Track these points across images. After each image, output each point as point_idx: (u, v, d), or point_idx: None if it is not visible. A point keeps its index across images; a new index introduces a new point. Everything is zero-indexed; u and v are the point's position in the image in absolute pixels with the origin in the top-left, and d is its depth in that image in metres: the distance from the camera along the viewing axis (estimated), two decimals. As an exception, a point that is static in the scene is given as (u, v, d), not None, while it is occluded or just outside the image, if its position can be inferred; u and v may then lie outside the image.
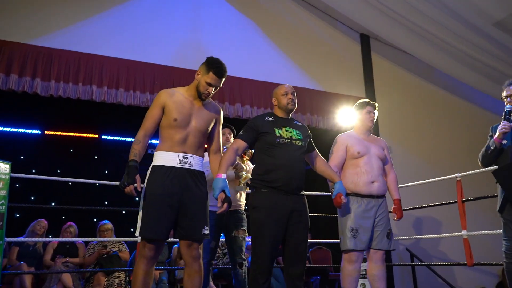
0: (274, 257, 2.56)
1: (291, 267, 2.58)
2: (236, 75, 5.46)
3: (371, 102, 3.19)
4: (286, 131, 2.66)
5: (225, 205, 2.41)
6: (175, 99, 2.43)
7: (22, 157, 6.31)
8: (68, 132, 6.39)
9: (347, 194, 2.89)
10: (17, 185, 6.14)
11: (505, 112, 2.71)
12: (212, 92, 2.46)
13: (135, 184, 2.24)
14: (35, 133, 6.25)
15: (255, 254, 2.54)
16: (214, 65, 2.42)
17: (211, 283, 4.59)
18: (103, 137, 6.44)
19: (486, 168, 2.97)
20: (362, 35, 6.60)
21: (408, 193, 5.50)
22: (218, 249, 4.77)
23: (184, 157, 2.37)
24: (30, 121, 6.16)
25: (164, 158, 2.37)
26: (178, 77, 5.12)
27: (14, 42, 4.52)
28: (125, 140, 6.56)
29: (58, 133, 6.36)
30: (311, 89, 5.88)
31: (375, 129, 6.12)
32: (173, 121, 2.38)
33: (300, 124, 2.83)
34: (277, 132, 2.63)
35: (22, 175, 3.61)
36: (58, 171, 6.22)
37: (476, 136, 4.81)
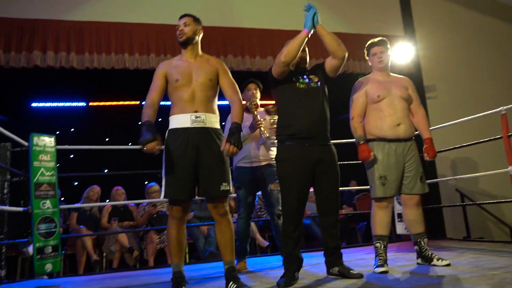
0: (303, 207, 2.58)
1: (323, 217, 2.61)
2: (265, 27, 5.33)
3: (377, 41, 2.96)
4: (303, 78, 2.65)
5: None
6: (172, 65, 2.52)
7: (72, 129, 6.67)
8: (111, 101, 6.62)
9: (371, 140, 2.82)
10: (71, 156, 6.55)
11: None
12: (183, 28, 2.50)
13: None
14: (81, 106, 6.55)
15: (283, 206, 2.58)
16: None
17: (258, 234, 4.77)
18: (144, 103, 6.60)
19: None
20: (397, -34, 6.14)
21: (453, 131, 5.28)
22: (260, 202, 4.89)
23: (196, 117, 2.40)
24: (75, 94, 6.44)
25: (177, 120, 2.42)
26: (205, 35, 5.08)
27: (47, 19, 4.66)
28: (163, 104, 6.71)
29: (102, 103, 6.62)
30: (345, 33, 5.60)
31: (416, 67, 5.83)
32: (176, 82, 2.44)
33: (312, 67, 2.78)
34: (295, 79, 2.62)
35: (66, 146, 3.84)
36: (107, 139, 6.53)
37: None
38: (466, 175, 4.65)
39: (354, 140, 2.87)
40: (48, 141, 3.43)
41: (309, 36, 2.57)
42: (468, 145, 4.33)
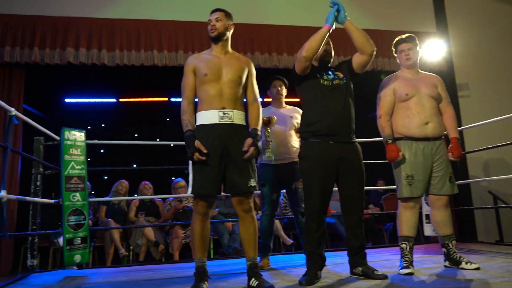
0: (326, 205, 2.56)
1: (347, 215, 2.59)
2: (292, 24, 5.30)
3: (404, 37, 2.89)
4: (328, 74, 2.64)
5: None
6: (202, 58, 2.50)
7: (102, 125, 6.83)
8: (140, 97, 6.75)
9: (398, 139, 2.76)
10: (102, 151, 6.71)
11: None
12: (215, 23, 2.49)
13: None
14: (111, 102, 6.70)
15: (306, 204, 2.57)
16: None
17: (282, 232, 4.76)
18: (172, 99, 6.70)
19: None
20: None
21: (487, 131, 5.11)
22: (285, 200, 4.88)
23: (224, 113, 2.40)
24: (105, 90, 6.59)
25: (205, 116, 2.42)
26: (235, 32, 5.10)
27: (80, 17, 4.80)
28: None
29: (131, 99, 6.75)
30: (375, 30, 5.50)
31: (448, 65, 5.66)
32: (204, 76, 2.43)
33: (338, 63, 2.76)
34: (318, 75, 2.61)
35: (96, 141, 3.92)
36: (136, 135, 6.66)
37: None
38: (499, 176, 4.48)
39: (381, 138, 2.82)
40: (78, 135, 3.53)
41: (331, 31, 2.55)
42: (502, 145, 4.18)
